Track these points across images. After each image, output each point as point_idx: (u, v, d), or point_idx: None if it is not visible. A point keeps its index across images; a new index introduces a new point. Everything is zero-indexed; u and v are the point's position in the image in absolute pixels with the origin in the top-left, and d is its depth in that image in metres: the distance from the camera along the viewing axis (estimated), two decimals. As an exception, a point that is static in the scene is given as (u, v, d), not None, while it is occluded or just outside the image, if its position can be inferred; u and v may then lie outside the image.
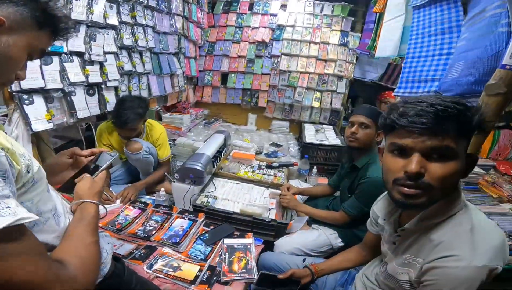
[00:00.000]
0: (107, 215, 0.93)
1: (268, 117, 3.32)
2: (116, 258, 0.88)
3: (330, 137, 2.70)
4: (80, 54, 1.52)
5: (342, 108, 3.13)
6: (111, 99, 1.76)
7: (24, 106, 1.26)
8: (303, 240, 1.44)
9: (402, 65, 1.73)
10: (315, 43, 3.07)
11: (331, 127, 3.04)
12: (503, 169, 2.28)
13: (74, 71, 1.48)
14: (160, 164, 1.86)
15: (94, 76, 1.61)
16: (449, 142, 0.59)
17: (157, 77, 2.26)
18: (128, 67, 1.88)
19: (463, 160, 0.63)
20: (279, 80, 3.13)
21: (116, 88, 1.82)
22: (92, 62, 1.59)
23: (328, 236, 1.46)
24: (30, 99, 1.29)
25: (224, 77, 3.29)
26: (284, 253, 1.37)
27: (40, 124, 1.32)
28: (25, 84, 1.24)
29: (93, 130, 1.81)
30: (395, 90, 1.72)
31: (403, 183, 0.64)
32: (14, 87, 1.22)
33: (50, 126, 1.37)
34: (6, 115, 1.28)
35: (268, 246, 1.43)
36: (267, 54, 3.15)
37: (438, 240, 0.67)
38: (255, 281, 1.08)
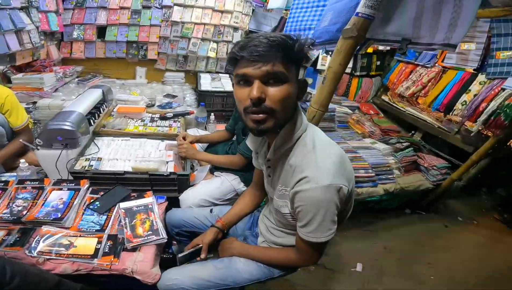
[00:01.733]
0: None
1: (160, 69, 3.11)
2: None
3: (226, 84, 2.73)
4: None
5: (238, 57, 3.16)
6: None
7: None
8: (208, 190, 1.42)
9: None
10: (212, -6, 2.91)
11: (227, 75, 3.06)
12: (365, 110, 2.93)
13: None
14: (17, 133, 1.46)
15: None
16: (279, 67, 0.67)
17: (-8, 35, 1.89)
18: None
19: (296, 84, 0.73)
20: (171, 31, 2.93)
21: None
22: None
23: (231, 182, 1.47)
24: None
25: (102, 30, 2.85)
26: (191, 207, 1.33)
27: None
28: None
29: None
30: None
31: (252, 110, 0.70)
32: None
33: None
34: None
35: (175, 203, 1.36)
36: (157, 5, 2.84)
37: (294, 164, 0.75)
38: (178, 264, 1.02)
